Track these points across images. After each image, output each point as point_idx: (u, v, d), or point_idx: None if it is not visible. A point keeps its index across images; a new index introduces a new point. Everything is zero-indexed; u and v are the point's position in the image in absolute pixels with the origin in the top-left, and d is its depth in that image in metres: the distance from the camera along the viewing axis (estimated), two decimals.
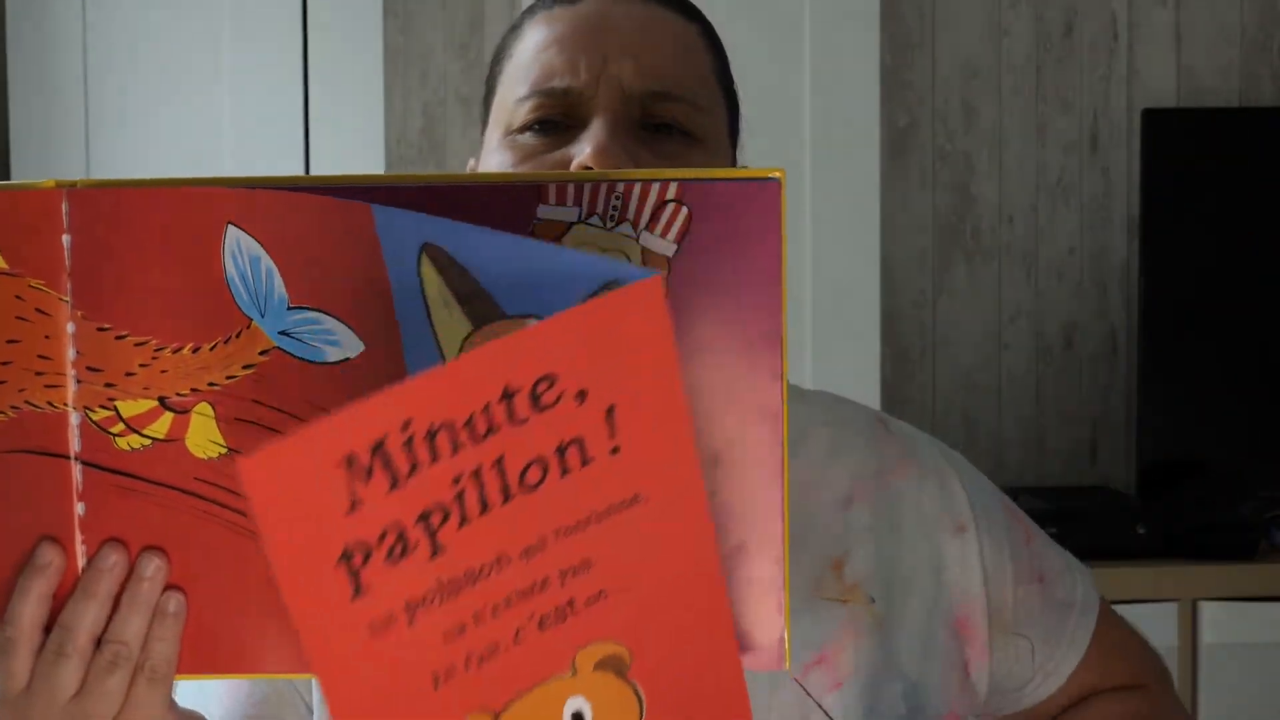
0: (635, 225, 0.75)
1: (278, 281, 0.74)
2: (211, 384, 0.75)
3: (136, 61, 2.47)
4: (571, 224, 0.76)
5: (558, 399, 0.65)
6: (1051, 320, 2.79)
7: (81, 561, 0.77)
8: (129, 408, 0.76)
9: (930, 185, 2.77)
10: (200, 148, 2.45)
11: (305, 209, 0.73)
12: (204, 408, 0.76)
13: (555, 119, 0.95)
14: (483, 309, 0.72)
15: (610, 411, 0.67)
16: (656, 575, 0.71)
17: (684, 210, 0.75)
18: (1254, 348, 2.64)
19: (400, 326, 0.74)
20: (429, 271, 0.73)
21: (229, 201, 0.74)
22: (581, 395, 0.66)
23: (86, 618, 0.76)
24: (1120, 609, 2.44)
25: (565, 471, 0.67)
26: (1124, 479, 2.78)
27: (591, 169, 0.89)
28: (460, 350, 0.72)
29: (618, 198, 0.76)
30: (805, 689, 0.96)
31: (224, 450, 0.76)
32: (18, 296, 0.75)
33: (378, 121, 2.53)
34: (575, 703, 0.72)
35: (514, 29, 1.01)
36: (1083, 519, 2.41)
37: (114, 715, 0.78)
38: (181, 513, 0.77)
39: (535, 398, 0.65)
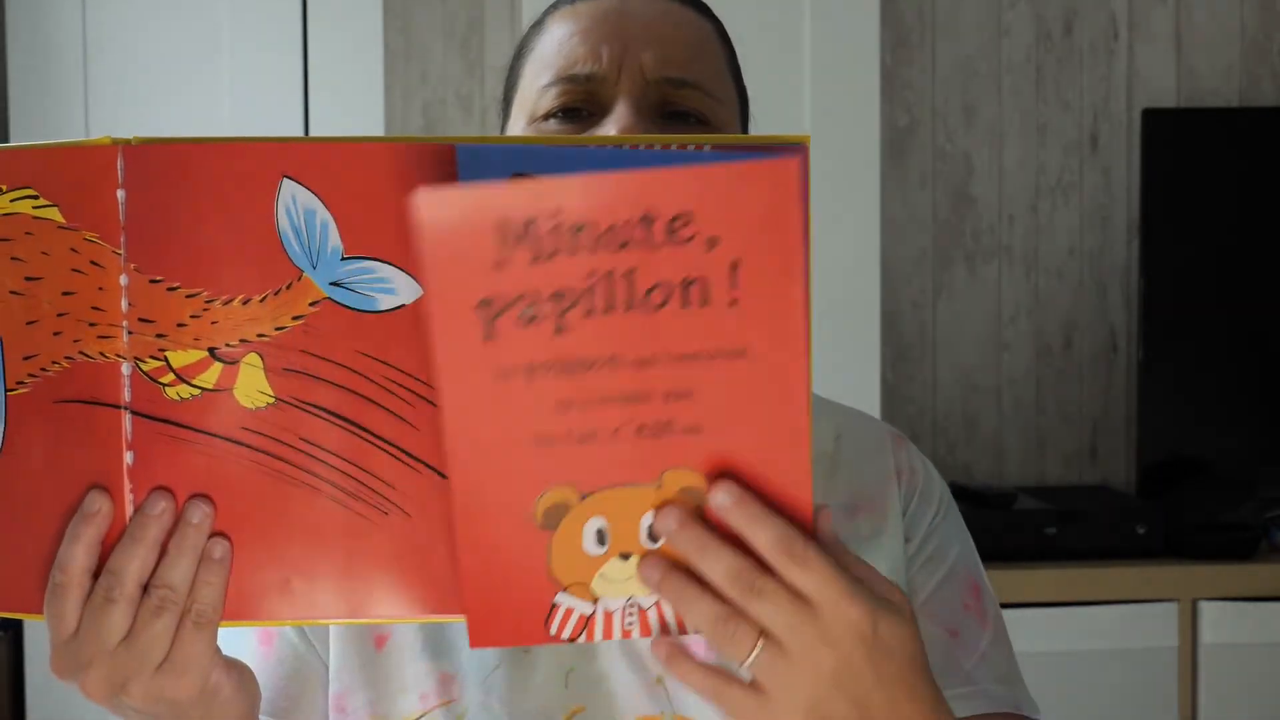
0: None
1: (333, 233, 0.76)
2: (261, 335, 0.77)
3: (136, 61, 2.47)
4: None
5: (691, 238, 0.72)
6: (1051, 320, 2.79)
7: (130, 509, 0.78)
8: (179, 358, 0.77)
9: (930, 185, 2.77)
10: None
11: (376, 157, 0.76)
12: (253, 358, 0.77)
13: (578, 106, 0.98)
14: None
15: (735, 266, 0.72)
16: (747, 430, 0.75)
17: None
18: (1254, 348, 2.64)
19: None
20: None
21: (285, 155, 0.76)
22: (712, 242, 0.72)
23: (134, 563, 0.77)
24: (1120, 609, 2.43)
25: (686, 304, 0.73)
26: (1124, 479, 2.78)
27: None
28: None
29: None
30: None
31: (271, 400, 0.78)
32: (73, 249, 0.76)
33: (378, 121, 2.53)
34: (653, 516, 0.77)
35: (537, 25, 1.04)
36: (1083, 519, 2.41)
37: (161, 659, 0.79)
38: (229, 461, 0.78)
39: (671, 229, 0.72)
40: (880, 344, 2.42)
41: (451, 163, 0.76)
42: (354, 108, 2.51)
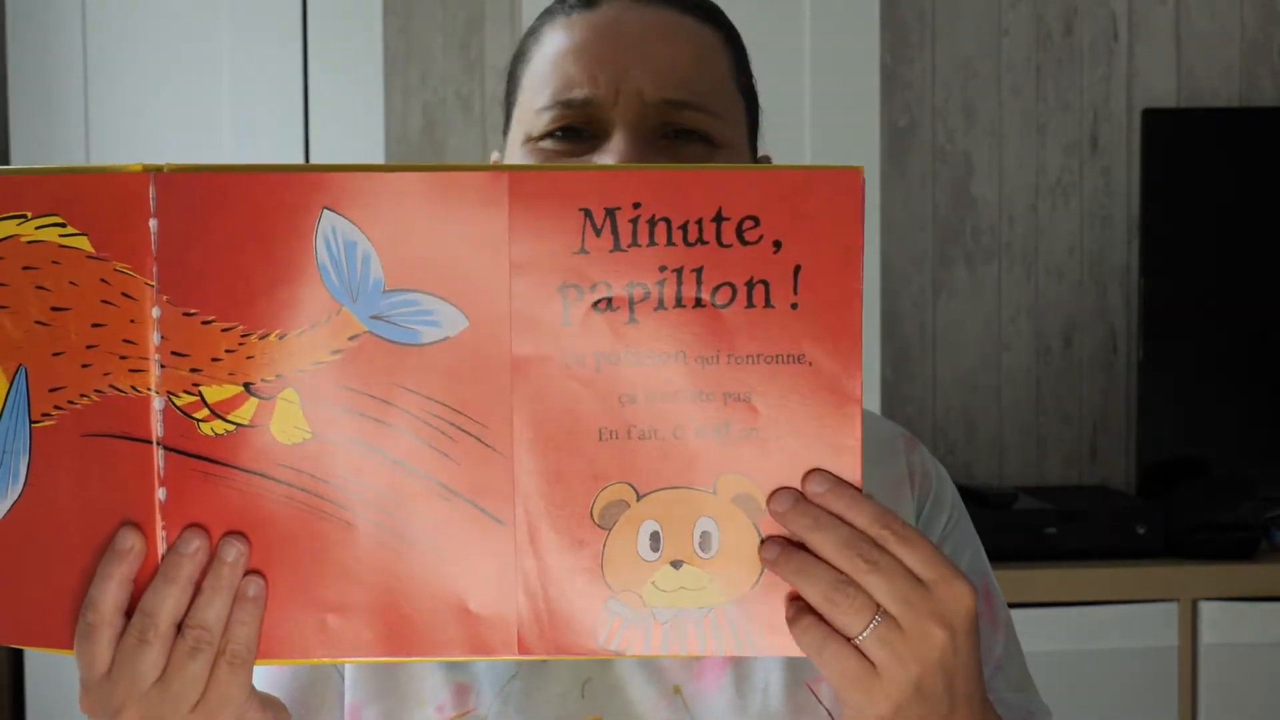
0: None
1: (375, 265, 0.75)
2: (298, 370, 0.76)
3: (136, 61, 2.47)
4: None
5: (759, 239, 0.75)
6: (1051, 320, 2.79)
7: (162, 547, 0.77)
8: (214, 393, 0.76)
9: (930, 185, 2.77)
10: (200, 147, 2.45)
11: (426, 187, 0.75)
12: (290, 394, 0.76)
13: (576, 126, 0.96)
14: None
15: (797, 270, 0.75)
16: (802, 437, 0.77)
17: None
18: (1254, 348, 2.64)
19: (512, 293, 0.75)
20: None
21: (326, 186, 0.74)
22: (778, 245, 0.75)
23: (168, 603, 0.76)
24: (1120, 609, 2.43)
25: (750, 305, 0.75)
26: (1124, 479, 2.78)
27: None
28: None
29: None
30: (817, 695, 0.96)
31: (309, 435, 0.76)
32: (104, 280, 0.75)
33: (378, 121, 2.52)
34: (706, 523, 0.77)
35: (532, 32, 1.02)
36: (1083, 519, 2.41)
37: (197, 700, 0.78)
38: (264, 498, 0.77)
39: (740, 231, 0.75)
40: (880, 344, 2.42)
41: (504, 195, 0.75)
42: (354, 108, 2.51)
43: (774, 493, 0.76)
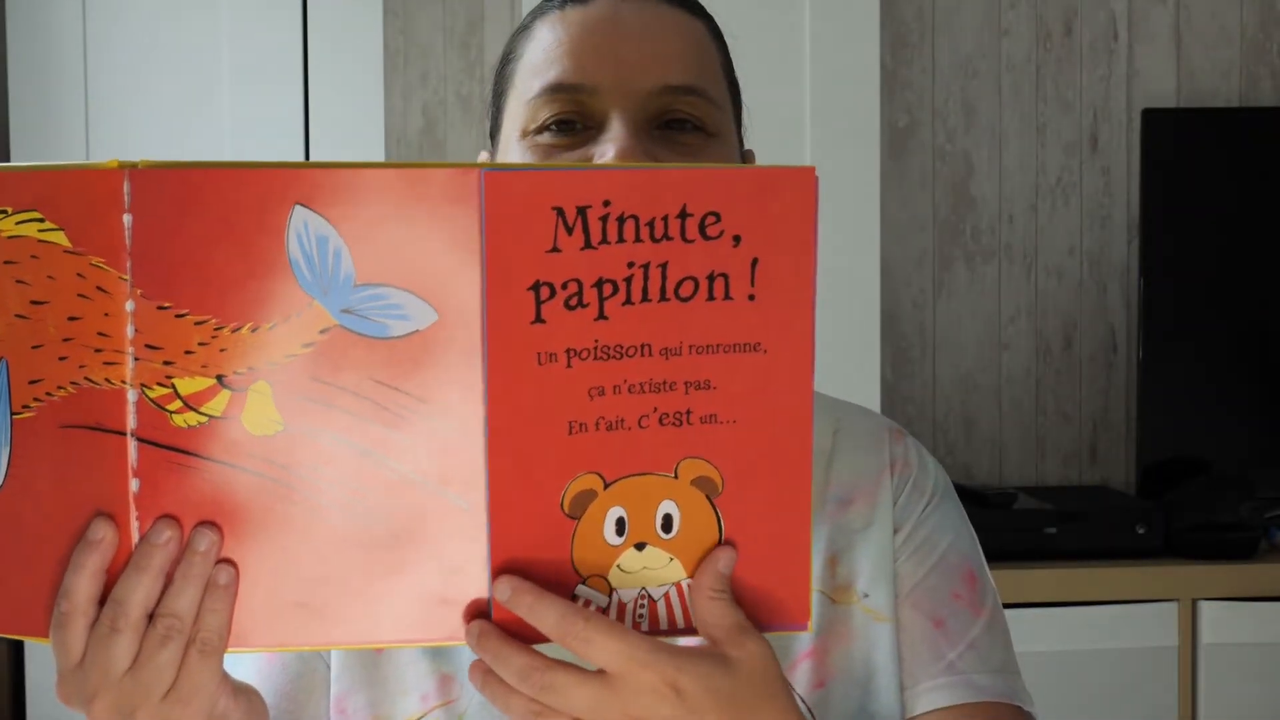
0: None
1: (346, 260, 0.76)
2: (270, 363, 0.77)
3: (136, 61, 2.47)
4: None
5: (720, 234, 0.77)
6: (1051, 320, 2.79)
7: (136, 536, 0.78)
8: (187, 385, 0.77)
9: (930, 185, 2.77)
10: (200, 147, 2.45)
11: (393, 183, 0.75)
12: (261, 386, 0.77)
13: (571, 118, 0.96)
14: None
15: (755, 263, 0.78)
16: (758, 422, 0.80)
17: None
18: (1254, 348, 2.64)
19: (487, 292, 0.76)
20: None
21: (298, 182, 0.75)
22: (737, 239, 0.78)
23: (139, 592, 0.77)
24: (1120, 609, 2.43)
25: (711, 297, 0.78)
26: (1124, 479, 2.78)
27: None
28: None
29: None
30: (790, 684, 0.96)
31: (281, 427, 0.77)
32: (79, 274, 0.76)
33: (378, 121, 2.53)
34: (668, 505, 0.80)
35: (523, 29, 1.02)
36: (1083, 519, 2.41)
37: (168, 688, 0.79)
38: (236, 488, 0.78)
39: (703, 226, 0.77)
40: (880, 344, 2.42)
41: (475, 191, 0.76)
42: (354, 108, 2.51)
43: (495, 581, 0.79)
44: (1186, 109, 2.75)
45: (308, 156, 2.48)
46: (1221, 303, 2.62)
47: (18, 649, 2.46)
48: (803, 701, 0.96)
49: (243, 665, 0.96)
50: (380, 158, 2.51)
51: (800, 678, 0.97)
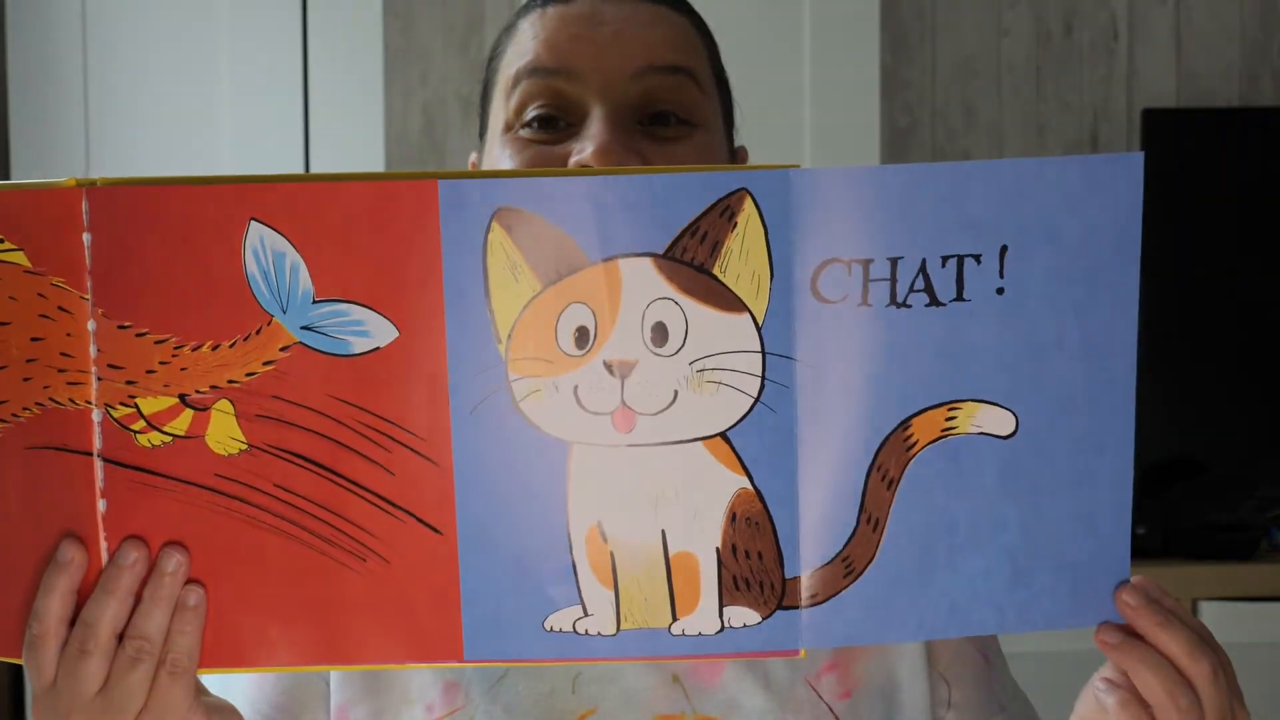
0: None
1: (303, 276, 0.75)
2: (231, 381, 0.76)
3: (136, 61, 2.47)
4: None
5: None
6: None
7: (105, 557, 0.77)
8: (150, 405, 0.76)
9: None
10: (200, 147, 2.45)
11: (352, 196, 0.74)
12: (224, 405, 0.77)
13: (551, 113, 0.94)
14: (564, 261, 0.76)
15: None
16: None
17: None
18: (1254, 348, 2.64)
19: (447, 307, 0.75)
20: (497, 238, 0.75)
21: (252, 197, 0.74)
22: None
23: (107, 614, 0.77)
24: None
25: None
26: None
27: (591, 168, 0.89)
28: (517, 319, 0.76)
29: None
30: (817, 692, 0.96)
31: (244, 446, 0.77)
32: (40, 295, 0.76)
33: (378, 121, 2.52)
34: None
35: (508, 29, 1.01)
36: None
37: (140, 709, 0.79)
38: (202, 508, 0.78)
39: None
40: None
41: (432, 198, 0.75)
42: (354, 108, 2.51)
43: (1120, 588, 0.84)
44: (1186, 109, 2.75)
45: (307, 156, 2.48)
46: (1221, 303, 2.62)
47: None
48: (831, 710, 0.96)
49: (236, 676, 0.95)
50: (380, 158, 2.51)
51: (827, 687, 0.97)
